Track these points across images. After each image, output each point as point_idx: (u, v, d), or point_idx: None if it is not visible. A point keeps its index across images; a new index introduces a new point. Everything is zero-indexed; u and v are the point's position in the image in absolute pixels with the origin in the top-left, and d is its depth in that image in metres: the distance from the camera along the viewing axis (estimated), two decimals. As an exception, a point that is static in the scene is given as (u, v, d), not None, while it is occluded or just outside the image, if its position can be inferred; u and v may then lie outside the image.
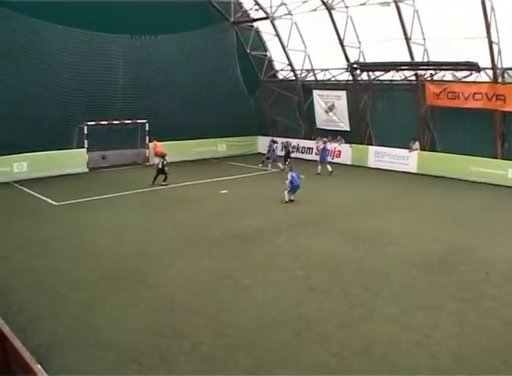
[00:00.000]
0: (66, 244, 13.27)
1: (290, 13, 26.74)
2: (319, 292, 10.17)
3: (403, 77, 25.14)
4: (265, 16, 28.01)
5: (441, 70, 23.33)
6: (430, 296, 9.99)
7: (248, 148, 30.76)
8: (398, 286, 10.51)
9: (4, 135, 20.71)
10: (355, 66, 25.95)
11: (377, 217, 16.37)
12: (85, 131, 23.82)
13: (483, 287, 10.51)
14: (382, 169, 25.40)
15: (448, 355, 7.77)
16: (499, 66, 21.14)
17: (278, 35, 28.78)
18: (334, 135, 28.13)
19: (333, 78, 28.38)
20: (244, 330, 8.53)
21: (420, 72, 24.18)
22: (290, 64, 29.63)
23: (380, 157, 26.02)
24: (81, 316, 9.02)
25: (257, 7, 28.28)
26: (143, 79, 25.42)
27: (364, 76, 26.60)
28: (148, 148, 26.37)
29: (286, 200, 18.01)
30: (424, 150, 24.71)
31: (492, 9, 19.71)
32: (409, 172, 24.45)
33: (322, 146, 24.66)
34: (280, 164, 24.37)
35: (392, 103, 25.97)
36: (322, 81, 28.96)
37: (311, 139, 29.08)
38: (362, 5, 23.23)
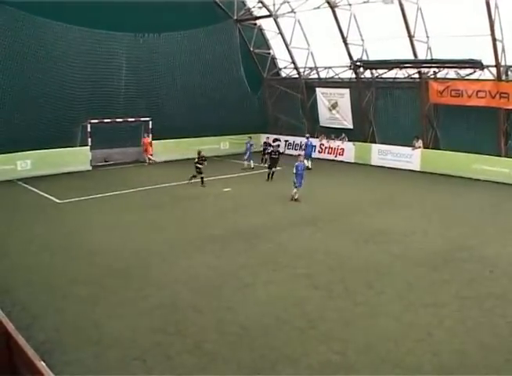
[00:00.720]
0: (69, 241, 13.31)
1: (293, 11, 26.70)
2: (323, 290, 10.17)
3: (406, 75, 25.07)
4: (268, 13, 27.99)
5: (444, 67, 23.27)
6: (433, 294, 9.97)
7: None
8: (402, 284, 10.50)
9: (8, 133, 20.80)
10: (358, 64, 25.94)
11: (380, 215, 16.35)
12: (88, 129, 23.87)
13: (486, 285, 10.49)
14: (385, 167, 25.40)
15: (452, 353, 7.76)
16: (503, 63, 21.08)
17: (281, 33, 28.75)
18: (337, 133, 28.23)
19: (337, 76, 28.33)
20: (247, 328, 8.54)
21: (423, 70, 24.15)
22: (293, 62, 29.60)
23: (384, 154, 26.00)
24: (85, 313, 9.05)
25: (260, 5, 28.28)
26: (146, 77, 25.48)
27: (367, 74, 26.57)
28: (151, 146, 26.43)
29: (296, 197, 17.83)
30: (427, 148, 24.67)
31: (496, 6, 19.64)
32: (412, 170, 24.42)
33: (305, 141, 25.66)
34: (246, 163, 24.66)
35: (395, 101, 25.95)
36: (326, 78, 28.92)
37: (314, 137, 29.07)
38: (365, 2, 23.18)
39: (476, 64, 21.60)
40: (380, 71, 25.98)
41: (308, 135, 26.28)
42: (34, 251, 12.56)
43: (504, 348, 7.88)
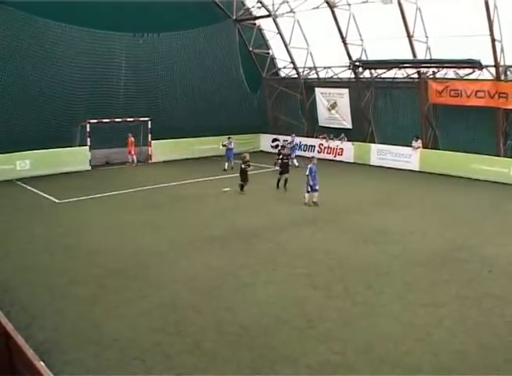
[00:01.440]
0: (68, 241, 13.30)
1: (292, 11, 26.69)
2: (322, 290, 10.17)
3: (405, 75, 25.08)
4: (267, 13, 27.97)
5: (443, 67, 23.29)
6: (432, 294, 9.97)
7: (250, 146, 30.71)
8: (401, 284, 10.51)
9: (7, 133, 20.82)
10: (357, 63, 25.95)
11: (380, 215, 16.36)
12: (88, 129, 23.85)
13: (486, 285, 10.49)
14: (384, 167, 25.42)
15: (451, 352, 7.77)
16: (502, 63, 21.10)
17: (280, 33, 28.76)
18: (337, 133, 28.23)
19: (336, 76, 28.33)
20: (247, 328, 8.54)
21: (422, 70, 24.16)
22: (293, 62, 29.60)
23: (383, 154, 26.01)
24: (84, 313, 9.04)
25: (259, 5, 28.26)
26: (146, 77, 25.47)
27: (366, 74, 26.59)
28: (150, 146, 26.43)
29: (306, 201, 17.21)
30: (427, 148, 24.68)
31: (495, 6, 19.66)
32: (411, 170, 24.43)
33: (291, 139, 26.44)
34: (227, 164, 24.12)
35: (394, 101, 25.99)
36: (325, 78, 28.90)
37: (313, 137, 29.13)
38: (364, 2, 23.17)
39: (475, 64, 21.62)
40: (380, 71, 25.99)
41: (293, 135, 27.09)
42: (33, 250, 12.56)
43: (503, 347, 7.89)
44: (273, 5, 27.13)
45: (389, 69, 25.27)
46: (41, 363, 4.24)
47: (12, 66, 21.17)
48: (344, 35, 25.31)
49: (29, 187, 20.17)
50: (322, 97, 28.88)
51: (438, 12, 21.45)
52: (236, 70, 29.18)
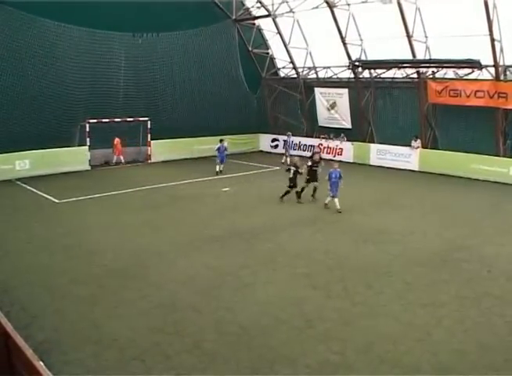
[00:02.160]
0: (68, 241, 13.29)
1: (291, 11, 26.68)
2: (321, 290, 10.17)
3: (405, 75, 25.09)
4: (266, 13, 27.95)
5: (442, 67, 23.30)
6: (432, 294, 9.97)
7: (250, 146, 30.75)
8: (400, 284, 10.51)
9: (6, 132, 20.79)
10: (356, 63, 25.95)
11: (379, 215, 16.37)
12: (87, 129, 23.83)
13: (485, 284, 10.50)
14: (384, 167, 25.42)
15: (451, 352, 7.77)
16: (501, 63, 21.10)
17: (280, 33, 28.75)
18: (336, 133, 28.23)
19: (335, 76, 28.34)
20: (246, 328, 8.53)
21: (421, 70, 24.17)
22: (292, 62, 29.60)
23: (382, 154, 26.01)
24: (84, 313, 9.04)
25: (259, 5, 28.27)
26: (145, 77, 25.47)
27: (366, 74, 26.58)
28: (150, 146, 26.43)
29: (337, 206, 16.48)
30: (426, 148, 24.69)
31: (495, 6, 19.67)
32: (410, 170, 24.43)
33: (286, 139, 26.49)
34: (219, 167, 23.38)
35: (394, 101, 26.01)
36: (324, 78, 28.91)
37: (313, 137, 29.12)
38: (363, 2, 23.18)
39: (474, 64, 21.62)
40: (379, 71, 25.99)
41: (289, 133, 27.43)
42: (32, 250, 12.55)
43: (503, 347, 7.89)
44: (273, 5, 27.11)
45: (388, 69, 25.28)
46: (41, 363, 4.23)
47: (12, 66, 21.16)
48: (344, 35, 25.31)
49: (28, 187, 20.15)
50: (322, 97, 28.88)
51: (438, 12, 21.47)
52: (236, 70, 29.17)
